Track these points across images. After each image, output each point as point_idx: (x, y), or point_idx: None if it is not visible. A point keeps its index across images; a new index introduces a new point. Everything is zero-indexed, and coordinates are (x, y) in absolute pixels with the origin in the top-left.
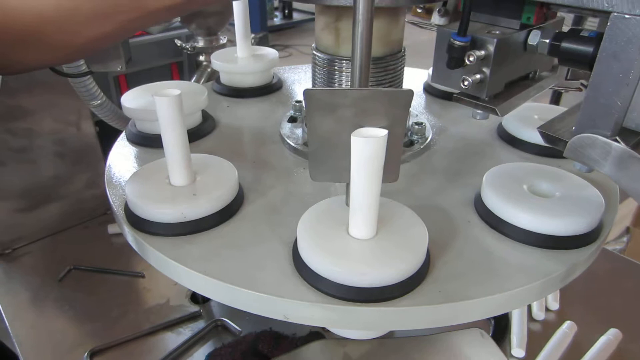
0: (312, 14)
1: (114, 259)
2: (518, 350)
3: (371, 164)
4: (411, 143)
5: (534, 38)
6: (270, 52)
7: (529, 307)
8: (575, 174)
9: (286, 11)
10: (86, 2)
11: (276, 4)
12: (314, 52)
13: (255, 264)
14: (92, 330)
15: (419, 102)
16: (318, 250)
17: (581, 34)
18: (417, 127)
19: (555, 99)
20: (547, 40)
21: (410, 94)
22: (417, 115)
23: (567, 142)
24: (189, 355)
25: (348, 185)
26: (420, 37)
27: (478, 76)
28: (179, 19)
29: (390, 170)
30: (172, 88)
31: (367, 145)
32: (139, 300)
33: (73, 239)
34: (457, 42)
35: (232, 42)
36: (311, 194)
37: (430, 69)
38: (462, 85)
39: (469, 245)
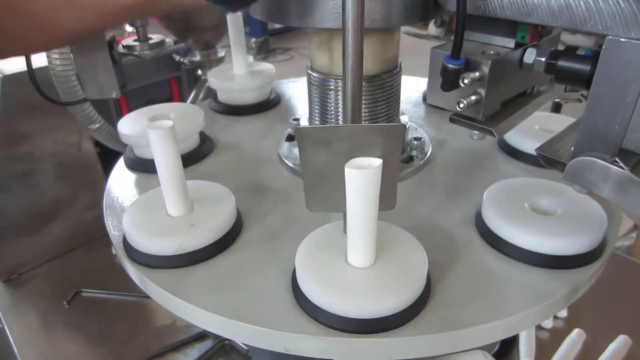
0: None
1: (119, 280)
2: None
3: (366, 194)
4: (410, 159)
5: (530, 57)
6: (268, 68)
7: None
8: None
9: None
10: None
11: None
12: (309, 71)
13: (254, 295)
14: (102, 354)
15: (418, 112)
16: (317, 282)
17: (577, 52)
18: (416, 142)
19: (556, 107)
20: (543, 59)
21: (402, 129)
22: (416, 129)
23: (566, 164)
24: None
25: (345, 214)
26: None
27: (473, 97)
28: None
29: (386, 198)
30: (168, 112)
31: (361, 177)
32: (145, 322)
33: (78, 261)
34: (450, 65)
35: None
36: (310, 217)
37: None
38: (457, 108)
39: (470, 267)
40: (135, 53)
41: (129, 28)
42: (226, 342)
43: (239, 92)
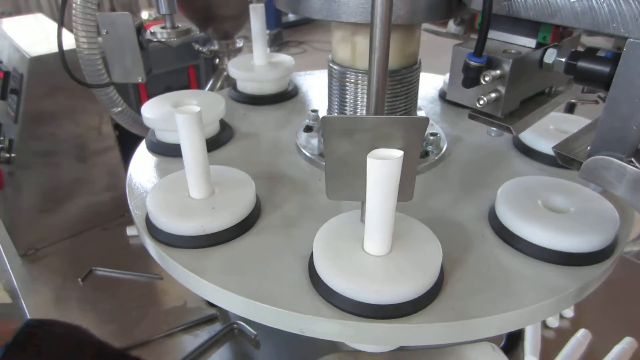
0: None
1: (132, 261)
2: (531, 358)
3: (387, 184)
4: (426, 154)
5: (550, 57)
6: (287, 60)
7: None
8: (589, 189)
9: None
10: None
11: None
12: (330, 64)
13: (272, 278)
14: (113, 331)
15: (434, 109)
16: (334, 267)
17: (597, 54)
18: (432, 137)
19: (569, 107)
20: (563, 59)
21: (425, 122)
22: (432, 125)
23: (582, 163)
24: (205, 358)
25: (363, 203)
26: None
27: (493, 95)
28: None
29: (405, 189)
30: (191, 98)
31: (382, 167)
32: (157, 302)
33: (93, 241)
34: (472, 63)
35: (248, 45)
36: (325, 206)
37: (446, 75)
38: (477, 105)
39: (482, 261)
40: (163, 40)
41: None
42: (235, 325)
43: (258, 82)
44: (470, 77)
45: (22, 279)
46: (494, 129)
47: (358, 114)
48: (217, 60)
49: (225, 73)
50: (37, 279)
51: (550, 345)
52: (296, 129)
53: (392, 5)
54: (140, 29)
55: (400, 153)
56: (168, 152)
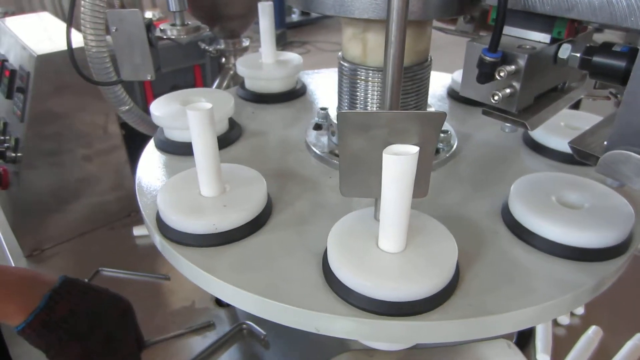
0: None
1: (139, 261)
2: (543, 356)
3: (402, 180)
4: (437, 151)
5: (565, 52)
6: (295, 58)
7: None
8: (605, 184)
9: None
10: None
11: None
12: (341, 61)
13: (285, 276)
14: None
15: (443, 107)
16: (349, 264)
17: (613, 49)
18: (442, 135)
19: (575, 103)
20: (578, 54)
21: (442, 117)
22: None
23: (599, 157)
24: (214, 359)
25: (377, 200)
26: (444, 38)
27: (508, 90)
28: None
29: (420, 185)
30: (199, 97)
31: (398, 163)
32: (164, 303)
33: (99, 241)
34: (487, 58)
35: (254, 45)
36: (338, 204)
37: (455, 73)
38: (492, 100)
39: (497, 257)
40: (173, 37)
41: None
42: (244, 326)
43: (266, 80)
44: (485, 73)
45: None
46: (508, 125)
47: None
48: (224, 60)
49: (231, 72)
50: None
51: (562, 343)
52: (305, 127)
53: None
54: (149, 26)
55: (416, 149)
56: (177, 150)
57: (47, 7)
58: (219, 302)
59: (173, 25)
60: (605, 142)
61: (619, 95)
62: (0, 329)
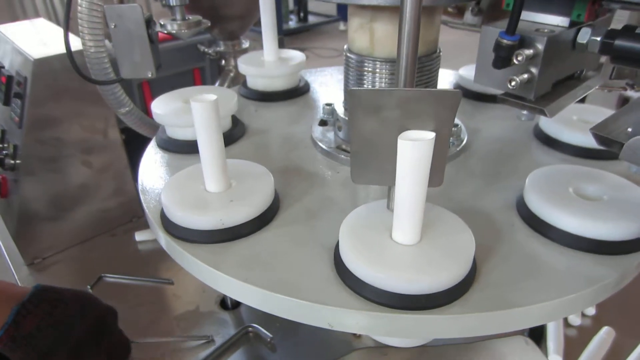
0: (328, 16)
1: (141, 266)
2: (555, 357)
3: (418, 167)
4: None
5: (584, 36)
6: (298, 55)
7: None
8: (621, 176)
9: (301, 14)
10: None
11: (291, 7)
12: (347, 54)
13: (296, 270)
14: None
15: None
16: (362, 257)
17: (636, 32)
18: (453, 129)
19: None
20: (599, 38)
21: (458, 95)
22: None
23: (623, 144)
24: None
25: (390, 189)
26: (448, 37)
27: (526, 76)
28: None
29: (435, 174)
30: (202, 93)
31: (414, 149)
32: (168, 308)
33: (101, 247)
34: (505, 41)
35: (254, 47)
36: (348, 198)
37: (461, 70)
38: (509, 86)
39: (514, 250)
40: (173, 32)
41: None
42: (250, 329)
43: (269, 78)
44: (502, 57)
45: None
46: (525, 112)
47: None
48: (223, 62)
49: (231, 74)
50: None
51: (573, 344)
52: (310, 124)
53: None
54: (149, 21)
55: (432, 134)
56: (179, 149)
57: (40, 13)
58: (224, 306)
59: (173, 20)
60: (629, 129)
61: (635, 86)
62: None
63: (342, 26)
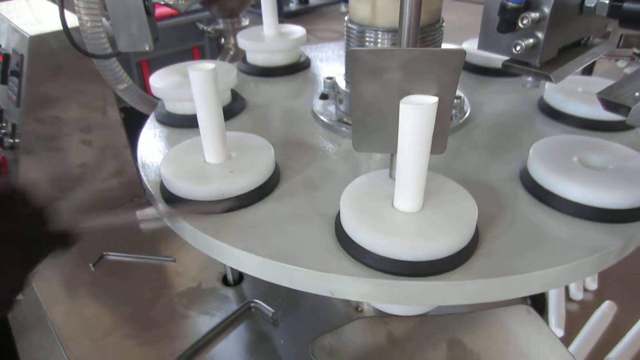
0: None
1: (143, 245)
2: (557, 330)
3: (420, 133)
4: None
5: None
6: (298, 30)
7: (567, 287)
8: (627, 147)
9: None
10: None
11: None
12: (348, 24)
13: (297, 239)
14: (128, 314)
15: None
16: (363, 224)
17: None
18: (455, 100)
19: (589, 69)
20: (607, 1)
21: (462, 54)
22: None
23: (630, 107)
24: (222, 338)
25: (392, 156)
26: (448, 17)
27: (531, 40)
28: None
29: (438, 140)
30: (200, 68)
31: (416, 113)
32: (170, 285)
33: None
34: (510, 4)
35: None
36: (349, 171)
37: (464, 44)
38: (513, 50)
39: (517, 219)
40: (170, 3)
41: None
42: (252, 304)
43: (269, 52)
44: (507, 20)
45: None
46: (530, 79)
47: None
48: (223, 40)
49: (231, 52)
50: (48, 265)
51: (575, 317)
52: (310, 99)
53: None
54: None
55: (435, 99)
56: (178, 123)
57: None
58: (226, 283)
59: None
60: (637, 93)
61: None
62: (8, 322)
63: (343, 8)
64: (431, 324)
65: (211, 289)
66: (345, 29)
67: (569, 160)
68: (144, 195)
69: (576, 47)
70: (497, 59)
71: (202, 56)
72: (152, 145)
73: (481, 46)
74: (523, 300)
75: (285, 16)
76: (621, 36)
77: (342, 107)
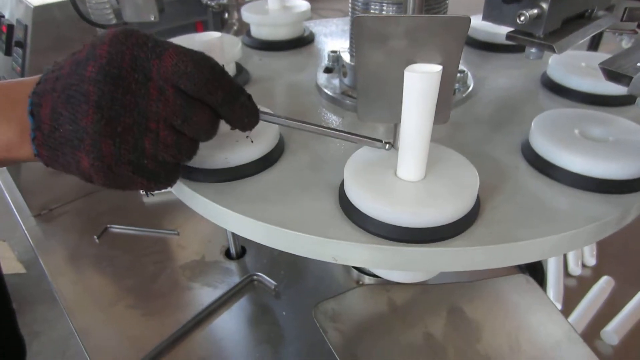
0: None
1: (147, 218)
2: (555, 304)
3: (424, 101)
4: (453, 92)
5: None
6: (303, 4)
7: (565, 262)
8: (629, 120)
9: None
10: None
11: None
12: None
13: (301, 206)
14: (131, 285)
15: None
16: (367, 191)
17: None
18: (458, 75)
19: (596, 43)
20: None
21: (466, 21)
22: None
23: (632, 77)
24: (225, 309)
25: (396, 126)
26: None
27: (535, 11)
28: None
29: (441, 110)
30: (205, 39)
31: (420, 81)
32: (174, 257)
33: (106, 199)
34: None
35: None
36: (354, 144)
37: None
38: (517, 21)
39: (518, 190)
40: None
41: None
42: (255, 277)
43: (273, 26)
44: None
45: (38, 238)
46: (533, 50)
47: None
48: (226, 14)
49: (235, 27)
50: (53, 237)
51: (573, 293)
52: (314, 73)
53: None
54: None
55: (439, 67)
56: None
57: None
58: (229, 256)
59: None
60: (638, 64)
61: None
62: (12, 309)
63: None
64: (432, 292)
65: (214, 262)
66: (350, 1)
67: (570, 132)
68: None
69: (580, 19)
70: (500, 34)
71: (206, 30)
72: None
73: (486, 17)
74: (522, 273)
75: None
76: (625, 9)
77: (346, 81)
